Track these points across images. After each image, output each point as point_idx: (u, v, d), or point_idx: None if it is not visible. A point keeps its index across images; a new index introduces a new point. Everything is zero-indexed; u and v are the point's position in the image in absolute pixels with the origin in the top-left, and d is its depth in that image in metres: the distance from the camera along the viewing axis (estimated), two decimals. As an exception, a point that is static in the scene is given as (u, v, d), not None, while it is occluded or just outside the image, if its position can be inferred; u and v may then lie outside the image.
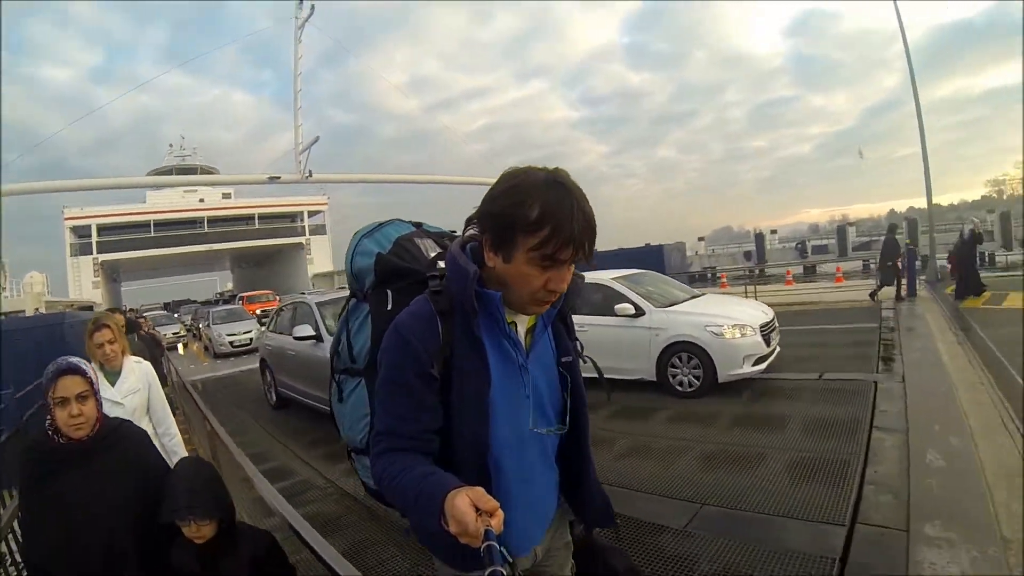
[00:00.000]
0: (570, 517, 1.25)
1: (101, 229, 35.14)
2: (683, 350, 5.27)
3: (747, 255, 23.70)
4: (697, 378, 5.20)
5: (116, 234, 35.39)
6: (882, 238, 11.25)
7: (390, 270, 1.16)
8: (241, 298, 23.84)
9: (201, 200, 38.33)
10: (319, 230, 40.05)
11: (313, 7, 21.96)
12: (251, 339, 13.23)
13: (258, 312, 17.89)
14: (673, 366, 5.35)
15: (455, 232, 1.21)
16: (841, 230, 23.54)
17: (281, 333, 6.70)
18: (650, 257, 14.41)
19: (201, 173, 36.68)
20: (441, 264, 1.11)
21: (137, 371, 2.44)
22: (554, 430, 1.10)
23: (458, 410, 0.98)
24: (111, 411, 1.88)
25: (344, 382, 1.25)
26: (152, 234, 36.75)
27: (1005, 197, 56.85)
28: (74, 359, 1.63)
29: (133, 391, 2.37)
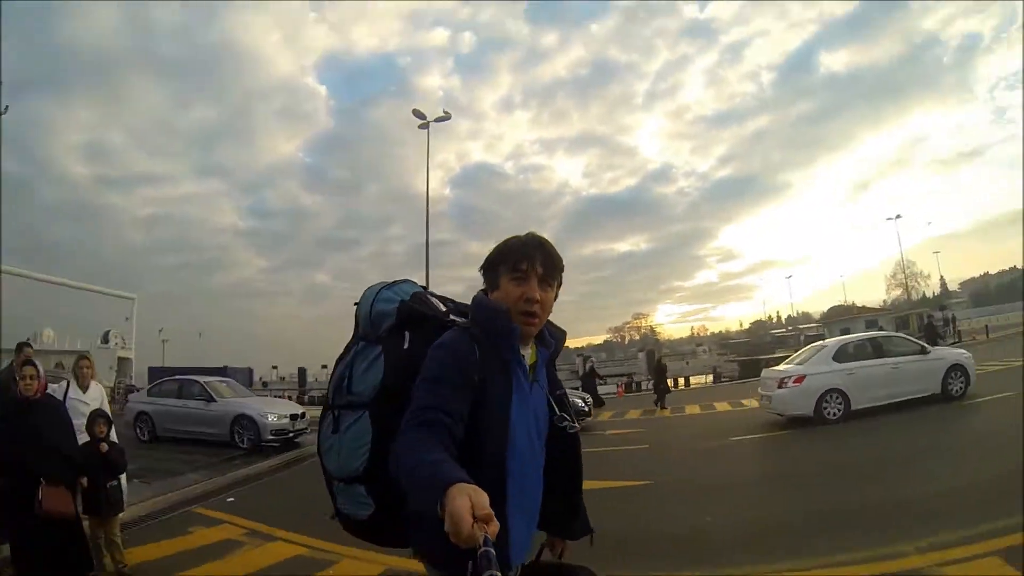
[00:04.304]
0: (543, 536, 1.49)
1: None
2: (955, 370, 9.27)
3: None
4: (964, 385, 9.23)
5: None
6: None
7: (415, 316, 1.36)
8: None
9: None
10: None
11: None
12: None
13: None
14: (949, 381, 9.22)
15: (447, 297, 1.52)
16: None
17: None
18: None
19: None
20: (452, 317, 1.39)
21: (96, 388, 4.58)
22: (542, 441, 1.33)
23: (485, 418, 1.17)
24: (82, 410, 4.08)
25: (342, 416, 1.37)
26: None
27: (627, 342, 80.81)
28: (33, 360, 3.56)
29: (94, 398, 4.43)
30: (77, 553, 3.35)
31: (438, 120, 20.82)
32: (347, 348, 1.47)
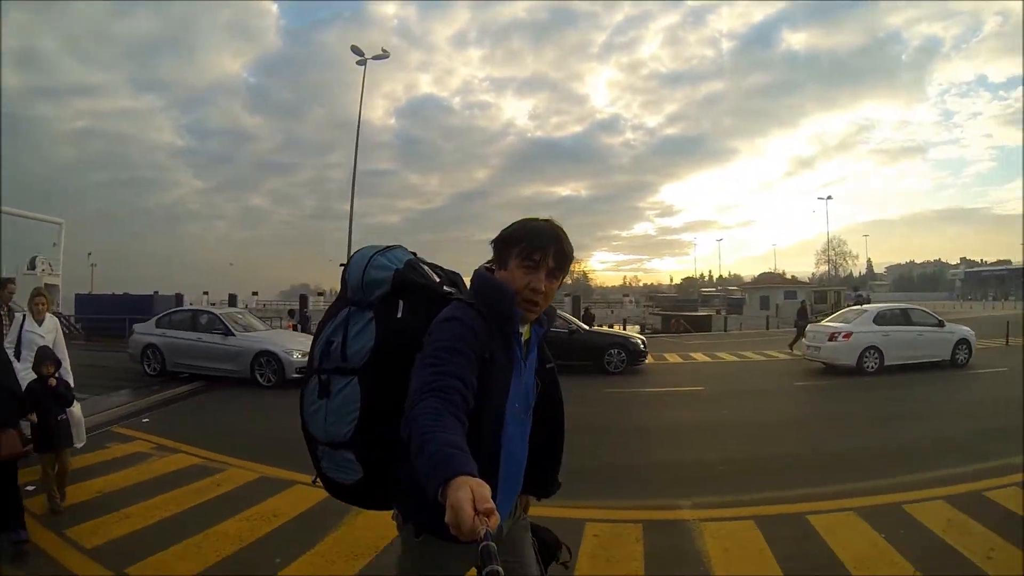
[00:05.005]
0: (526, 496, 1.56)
1: None
2: (962, 343, 10.96)
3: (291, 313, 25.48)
4: (967, 356, 11.01)
5: None
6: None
7: (411, 285, 1.38)
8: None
9: None
10: None
11: None
12: None
13: None
14: (957, 352, 10.92)
15: (435, 264, 1.55)
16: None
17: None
18: (141, 304, 17.86)
19: None
20: (447, 288, 1.44)
21: (50, 320, 4.74)
22: (529, 414, 1.42)
23: (486, 393, 1.20)
24: (37, 342, 4.25)
25: (332, 380, 1.37)
26: None
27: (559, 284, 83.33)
28: None
29: (49, 331, 4.60)
30: (8, 506, 3.19)
31: (376, 58, 20.90)
32: (334, 310, 1.47)
